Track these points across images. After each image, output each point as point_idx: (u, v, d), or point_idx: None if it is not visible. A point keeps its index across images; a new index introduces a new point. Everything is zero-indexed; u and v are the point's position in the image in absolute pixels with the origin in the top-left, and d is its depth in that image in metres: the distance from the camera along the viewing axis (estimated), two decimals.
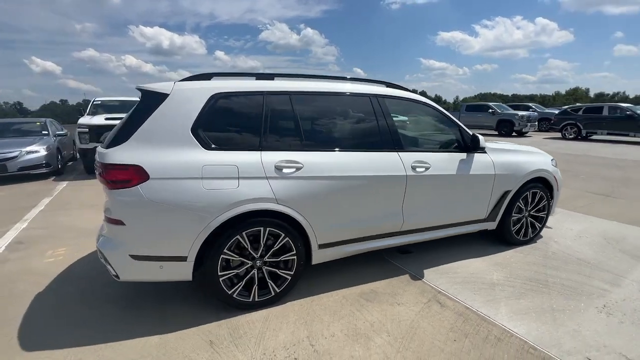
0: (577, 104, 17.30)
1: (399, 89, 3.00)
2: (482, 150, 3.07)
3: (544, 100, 59.00)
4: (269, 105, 2.35)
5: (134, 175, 1.98)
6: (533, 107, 20.71)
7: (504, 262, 3.10)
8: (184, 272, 2.15)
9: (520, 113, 15.54)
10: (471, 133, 3.03)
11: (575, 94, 66.87)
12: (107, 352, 1.95)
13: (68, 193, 5.75)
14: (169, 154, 2.06)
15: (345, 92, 2.69)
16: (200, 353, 1.94)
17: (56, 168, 7.11)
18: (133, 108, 2.31)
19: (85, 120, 7.02)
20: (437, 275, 2.85)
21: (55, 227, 4.09)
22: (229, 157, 2.17)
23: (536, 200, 3.43)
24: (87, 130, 6.73)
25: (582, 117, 13.84)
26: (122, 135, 2.09)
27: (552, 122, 15.17)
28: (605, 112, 13.27)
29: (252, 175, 2.18)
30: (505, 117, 15.82)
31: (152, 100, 2.16)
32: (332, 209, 2.45)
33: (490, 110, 16.43)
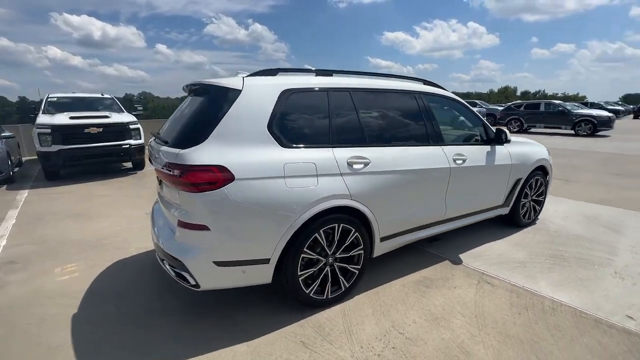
0: (519, 101, 19.45)
1: (435, 86, 3.19)
2: (502, 143, 3.39)
3: (479, 97, 65.36)
4: (333, 102, 2.35)
5: (220, 176, 1.86)
6: (479, 103, 22.79)
7: (521, 242, 3.47)
8: (265, 275, 2.08)
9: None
10: (494, 128, 3.32)
11: (506, 92, 75.50)
12: None
13: (37, 203, 5.02)
14: (249, 152, 1.97)
15: (395, 89, 2.79)
16: (299, 354, 1.91)
17: (8, 175, 6.14)
18: (196, 104, 2.19)
19: (45, 119, 6.15)
20: (472, 259, 3.10)
21: (44, 241, 3.58)
22: (306, 154, 2.13)
23: (537, 186, 3.89)
24: (50, 131, 5.91)
25: (524, 112, 15.67)
26: (196, 133, 1.94)
27: (498, 117, 16.90)
28: (542, 108, 15.18)
29: (329, 172, 2.18)
30: None
31: (222, 96, 2.03)
32: (393, 202, 2.53)
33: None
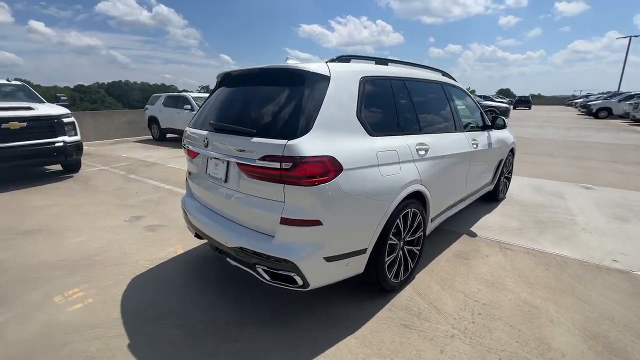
0: None
1: (450, 77, 3.48)
2: (498, 128, 3.91)
3: None
4: (395, 90, 2.41)
5: (331, 167, 1.76)
6: None
7: (507, 213, 4.09)
8: (360, 265, 2.06)
9: None
10: (490, 116, 3.80)
11: None
12: None
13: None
14: (347, 142, 1.90)
15: (431, 80, 2.97)
16: (409, 336, 1.98)
17: None
18: (274, 90, 2.01)
19: None
20: (482, 231, 3.55)
21: (4, 269, 2.78)
22: (389, 142, 2.16)
23: (509, 165, 4.60)
24: None
25: None
26: (297, 122, 1.79)
27: None
28: None
29: (406, 159, 2.25)
30: None
31: (311, 83, 1.90)
32: (442, 184, 2.74)
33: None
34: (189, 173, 2.64)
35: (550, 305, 2.28)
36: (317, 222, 1.76)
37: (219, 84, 2.50)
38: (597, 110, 21.05)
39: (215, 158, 2.14)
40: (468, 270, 2.74)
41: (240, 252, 1.94)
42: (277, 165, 1.72)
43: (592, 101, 23.29)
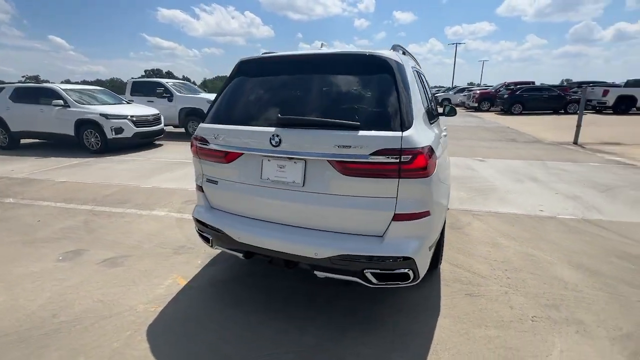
0: None
1: None
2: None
3: None
4: (419, 80, 2.54)
5: (434, 156, 1.75)
6: None
7: (451, 187, 4.88)
8: (434, 248, 2.14)
9: None
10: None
11: None
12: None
13: None
14: (428, 130, 1.92)
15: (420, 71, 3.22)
16: (481, 302, 2.21)
17: None
18: (355, 78, 1.86)
19: None
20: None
21: None
22: (436, 129, 2.27)
23: None
24: None
25: None
26: (397, 113, 1.69)
27: None
28: None
29: (442, 146, 2.43)
30: None
31: (399, 72, 1.82)
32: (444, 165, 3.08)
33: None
34: (212, 181, 2.12)
35: (538, 251, 2.92)
36: (427, 213, 1.75)
37: (250, 71, 2.11)
38: (441, 100, 26.79)
39: (289, 158, 1.80)
40: (468, 238, 3.19)
41: (341, 260, 1.73)
42: (395, 159, 1.61)
43: (435, 94, 29.47)
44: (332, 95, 1.90)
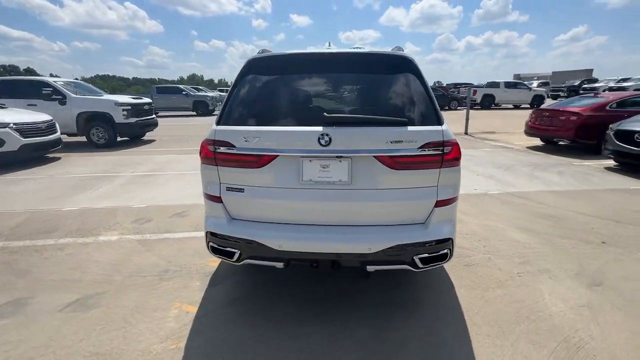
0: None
1: None
2: None
3: (175, 83, 65.64)
4: None
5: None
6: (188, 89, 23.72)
7: None
8: None
9: (210, 94, 17.93)
10: None
11: (194, 79, 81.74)
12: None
13: None
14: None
15: None
16: (533, 278, 2.59)
17: None
18: (386, 77, 1.95)
19: None
20: None
21: None
22: None
23: None
24: None
25: None
26: (429, 109, 1.86)
27: None
28: None
29: None
30: (200, 98, 17.53)
31: (419, 71, 1.98)
32: None
33: (184, 92, 17.35)
34: (236, 190, 1.91)
35: (491, 222, 3.55)
36: (456, 198, 1.97)
37: (267, 70, 1.98)
38: None
39: (336, 157, 1.77)
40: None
41: (394, 251, 1.81)
42: (438, 150, 1.78)
43: None
44: (366, 93, 1.96)
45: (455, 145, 1.85)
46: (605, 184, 4.93)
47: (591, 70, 36.13)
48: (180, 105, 17.33)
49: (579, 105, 7.67)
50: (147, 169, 6.01)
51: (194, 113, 17.74)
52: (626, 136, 5.58)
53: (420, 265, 1.89)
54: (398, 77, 1.99)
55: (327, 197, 1.84)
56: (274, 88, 2.00)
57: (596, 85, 24.24)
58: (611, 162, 6.06)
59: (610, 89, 19.94)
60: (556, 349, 1.80)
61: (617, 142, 5.69)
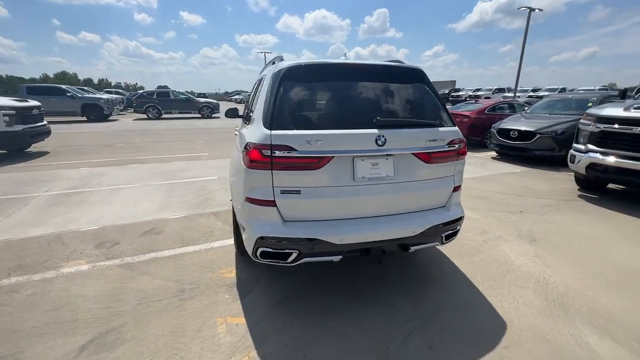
0: (149, 90, 19.65)
1: None
2: None
3: (34, 81, 52.17)
4: None
5: None
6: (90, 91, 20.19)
7: None
8: None
9: (104, 97, 15.36)
10: None
11: (65, 78, 66.61)
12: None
13: None
14: None
15: None
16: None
17: None
18: (407, 85, 2.30)
19: None
20: None
21: None
22: None
23: None
24: None
25: (158, 100, 16.82)
26: (444, 111, 2.29)
27: (134, 104, 16.70)
28: (172, 97, 17.24)
29: None
30: (91, 101, 14.84)
31: (428, 81, 2.39)
32: None
33: (69, 94, 14.41)
34: (293, 192, 1.96)
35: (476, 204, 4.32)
36: (461, 185, 2.47)
37: (305, 78, 2.10)
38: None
39: (385, 155, 2.01)
40: None
41: (431, 231, 2.17)
42: (457, 146, 2.21)
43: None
44: (394, 99, 2.25)
45: (464, 142, 2.33)
46: (499, 169, 6.46)
47: (454, 82, 44.90)
48: (64, 109, 14.29)
49: (466, 109, 9.67)
50: (66, 187, 4.97)
51: (84, 118, 14.90)
52: (505, 133, 7.39)
53: (444, 241, 2.31)
54: (416, 85, 2.36)
55: (376, 191, 2.08)
56: (317, 94, 2.13)
57: (460, 93, 30.21)
58: (494, 153, 7.89)
59: (470, 97, 25.28)
60: (535, 287, 2.46)
61: (499, 138, 7.49)
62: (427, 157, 2.16)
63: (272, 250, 2.00)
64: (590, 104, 7.04)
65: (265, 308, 2.22)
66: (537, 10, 23.84)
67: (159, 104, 16.88)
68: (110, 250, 2.98)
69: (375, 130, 2.01)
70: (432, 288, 2.46)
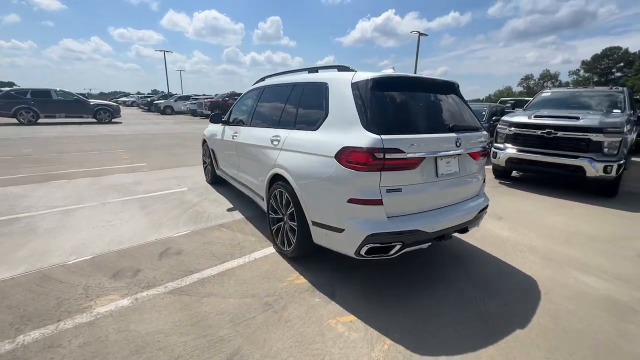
0: (17, 88, 15.09)
1: None
2: None
3: None
4: None
5: None
6: None
7: None
8: None
9: None
10: None
11: None
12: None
13: None
14: None
15: None
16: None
17: None
18: (452, 96, 2.73)
19: None
20: None
21: None
22: None
23: None
24: None
25: (33, 100, 13.32)
26: (477, 120, 2.85)
27: None
28: (55, 97, 13.91)
29: None
30: None
31: (458, 92, 2.90)
32: None
33: None
34: (395, 190, 2.16)
35: None
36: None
37: (389, 88, 2.35)
38: (164, 107, 25.91)
39: (457, 154, 2.41)
40: None
41: (478, 215, 2.67)
42: (487, 147, 2.79)
43: (157, 100, 27.97)
44: (448, 107, 2.67)
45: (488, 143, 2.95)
46: None
47: None
48: None
49: None
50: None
51: None
52: None
53: (480, 223, 2.87)
54: (454, 96, 2.84)
55: (450, 184, 2.48)
56: (400, 102, 2.37)
57: None
58: None
59: None
60: (528, 250, 3.27)
61: None
62: (477, 155, 2.68)
63: (379, 245, 2.17)
64: (484, 113, 9.08)
65: (365, 301, 2.34)
66: (424, 35, 28.79)
67: (35, 105, 13.39)
68: (138, 279, 2.52)
69: (454, 134, 2.41)
70: (468, 264, 2.99)
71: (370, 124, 2.19)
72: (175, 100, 26.74)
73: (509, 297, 2.45)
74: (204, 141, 5.42)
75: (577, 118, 5.15)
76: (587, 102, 6.46)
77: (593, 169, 4.82)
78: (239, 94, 24.16)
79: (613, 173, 4.75)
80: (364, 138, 2.14)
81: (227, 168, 4.44)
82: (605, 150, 4.84)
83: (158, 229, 3.49)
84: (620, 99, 6.11)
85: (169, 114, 25.87)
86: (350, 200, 2.18)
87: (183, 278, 2.58)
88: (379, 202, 2.18)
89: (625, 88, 6.47)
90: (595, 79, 60.74)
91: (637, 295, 2.51)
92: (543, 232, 3.73)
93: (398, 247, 2.22)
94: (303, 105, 2.88)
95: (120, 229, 3.46)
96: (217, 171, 5.03)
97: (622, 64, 59.52)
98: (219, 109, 21.95)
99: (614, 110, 5.86)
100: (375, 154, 2.10)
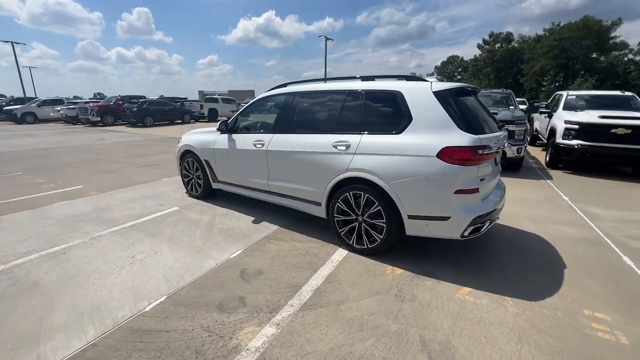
0: None
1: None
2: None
3: None
4: None
5: None
6: None
7: None
8: None
9: None
10: None
11: None
12: None
13: None
14: None
15: None
16: None
17: None
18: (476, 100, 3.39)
19: None
20: None
21: None
22: None
23: None
24: None
25: None
26: None
27: None
28: None
29: None
30: None
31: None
32: None
33: None
34: (484, 179, 2.66)
35: None
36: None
37: (452, 95, 2.81)
38: (22, 115, 20.25)
39: (500, 148, 3.04)
40: None
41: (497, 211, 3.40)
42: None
43: (7, 106, 21.48)
44: (485, 110, 3.28)
45: None
46: None
47: (254, 91, 48.82)
48: None
49: None
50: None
51: None
52: None
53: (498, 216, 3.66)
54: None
55: (495, 173, 3.10)
56: (472, 106, 2.84)
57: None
58: None
59: None
60: (550, 222, 4.28)
61: None
62: (502, 148, 3.41)
63: (479, 225, 2.64)
64: None
65: (462, 277, 2.73)
66: (331, 40, 30.65)
67: None
68: (254, 306, 2.31)
69: (500, 133, 3.03)
70: (504, 236, 3.76)
71: (464, 126, 2.61)
72: (39, 106, 21.12)
73: (556, 271, 3.28)
74: (185, 153, 4.83)
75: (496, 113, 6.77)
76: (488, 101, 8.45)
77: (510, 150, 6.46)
78: (137, 97, 20.77)
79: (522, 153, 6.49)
80: (465, 138, 2.55)
81: (241, 179, 4.14)
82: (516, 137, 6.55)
83: (204, 254, 3.09)
84: (510, 99, 8.23)
85: (31, 123, 20.30)
86: (457, 192, 2.56)
87: (296, 294, 2.48)
88: (477, 190, 2.64)
89: (510, 90, 8.73)
90: (446, 81, 76.55)
91: (584, 233, 3.70)
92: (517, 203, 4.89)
93: (487, 224, 2.73)
94: (370, 112, 3.05)
95: (159, 262, 2.92)
96: (213, 184, 4.58)
97: (460, 69, 76.62)
98: (110, 115, 18.61)
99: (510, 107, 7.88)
100: (478, 151, 2.54)
